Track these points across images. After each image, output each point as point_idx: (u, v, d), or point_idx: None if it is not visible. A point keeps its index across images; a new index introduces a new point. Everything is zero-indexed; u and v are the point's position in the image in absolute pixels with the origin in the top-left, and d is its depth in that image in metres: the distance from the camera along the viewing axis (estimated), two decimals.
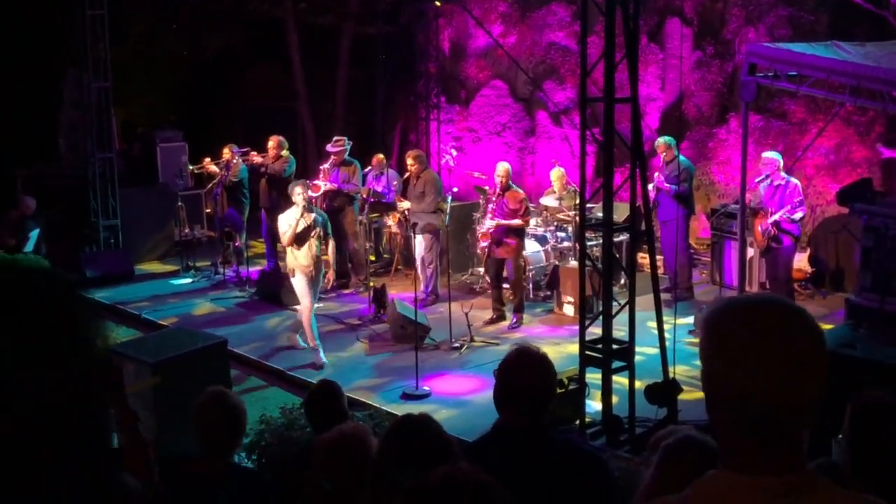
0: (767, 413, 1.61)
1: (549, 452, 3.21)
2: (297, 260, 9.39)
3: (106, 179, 14.00)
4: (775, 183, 10.29)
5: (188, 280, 13.03)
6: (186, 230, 13.58)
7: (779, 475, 1.62)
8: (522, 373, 3.25)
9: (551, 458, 3.19)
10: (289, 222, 9.41)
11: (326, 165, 12.06)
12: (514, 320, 10.62)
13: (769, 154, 10.53)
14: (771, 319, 1.64)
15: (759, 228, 10.41)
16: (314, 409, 4.66)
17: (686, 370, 8.79)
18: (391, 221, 12.62)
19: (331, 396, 4.66)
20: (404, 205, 11.91)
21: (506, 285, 11.48)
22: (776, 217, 10.09)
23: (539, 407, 3.23)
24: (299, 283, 9.47)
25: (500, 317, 10.73)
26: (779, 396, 1.61)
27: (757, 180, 11.43)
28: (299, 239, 9.35)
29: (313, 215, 9.51)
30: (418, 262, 11.42)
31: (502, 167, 10.76)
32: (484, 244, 10.87)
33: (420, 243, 11.33)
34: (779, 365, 1.60)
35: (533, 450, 3.18)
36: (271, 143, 12.45)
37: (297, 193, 9.47)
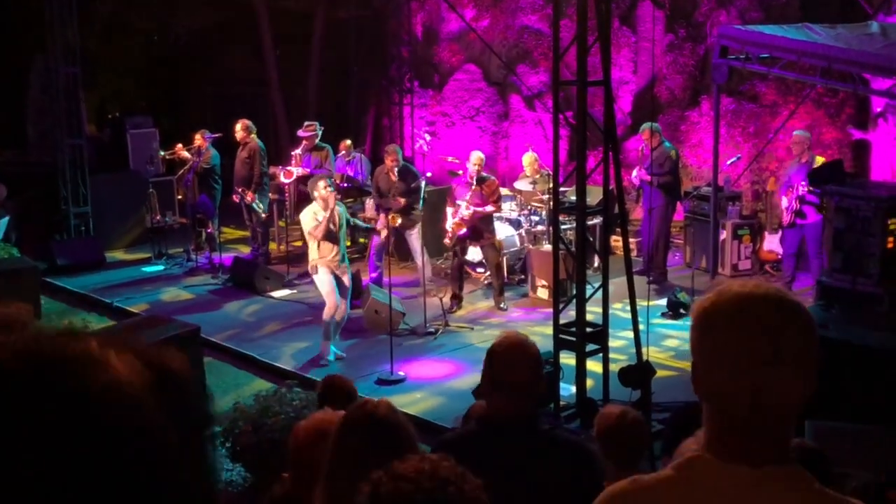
0: (745, 411, 1.59)
1: (536, 441, 3.20)
2: (323, 255, 8.97)
3: (76, 166, 13.84)
4: (803, 160, 10.38)
5: (160, 267, 12.92)
6: (158, 217, 13.43)
7: (756, 465, 1.59)
8: (513, 361, 3.23)
9: (539, 448, 3.18)
10: (315, 217, 8.92)
11: (298, 151, 11.98)
12: (501, 304, 10.61)
13: (800, 133, 10.59)
14: (761, 312, 1.59)
15: (783, 204, 10.48)
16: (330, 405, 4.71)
17: (659, 352, 8.84)
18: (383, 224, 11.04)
19: (346, 392, 4.74)
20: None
21: (480, 269, 11.47)
22: (800, 191, 10.18)
23: (527, 395, 3.22)
24: (323, 281, 9.04)
25: (459, 305, 10.68)
26: (757, 397, 1.57)
27: (728, 162, 11.50)
28: (329, 236, 8.91)
29: (339, 210, 9.03)
30: (418, 257, 11.05)
31: (476, 156, 10.64)
32: (462, 233, 10.60)
33: (416, 238, 11.02)
34: (757, 366, 1.57)
35: (520, 438, 3.16)
36: (238, 127, 12.33)
37: (322, 188, 8.96)
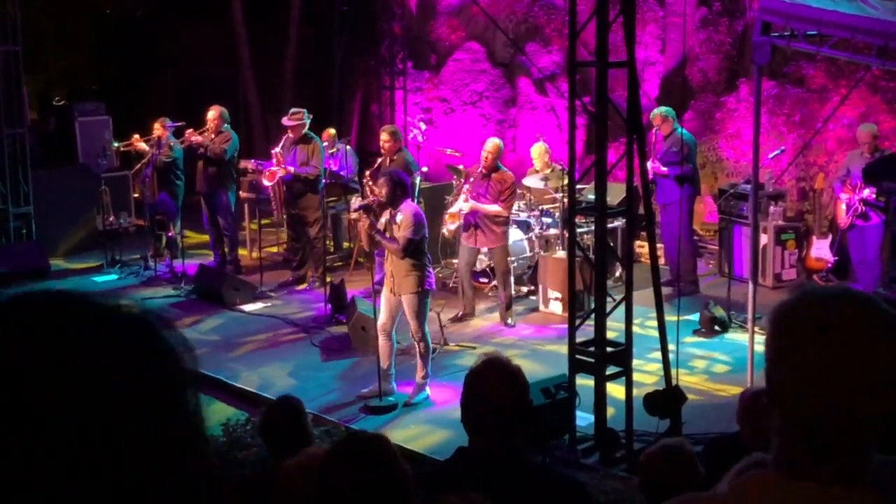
0: (831, 425, 1.64)
1: (520, 479, 3.21)
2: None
3: (16, 160, 13.84)
4: (867, 154, 10.44)
5: (113, 277, 12.93)
6: (111, 218, 13.46)
7: (826, 484, 1.64)
8: (485, 388, 3.25)
9: (523, 487, 3.18)
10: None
11: (279, 148, 11.82)
12: (508, 319, 10.66)
13: (867, 126, 10.68)
14: (845, 322, 1.65)
15: (844, 203, 10.53)
16: (272, 431, 4.65)
17: (691, 376, 8.85)
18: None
19: (292, 415, 4.65)
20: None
21: (484, 279, 11.49)
22: (867, 192, 10.23)
23: (507, 427, 3.23)
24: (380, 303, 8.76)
25: (470, 313, 10.73)
26: (848, 410, 1.63)
27: (770, 156, 11.53)
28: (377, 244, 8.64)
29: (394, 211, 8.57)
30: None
31: (492, 143, 10.72)
32: (451, 226, 10.75)
33: None
34: (851, 378, 1.62)
35: (502, 476, 3.17)
36: (211, 115, 12.34)
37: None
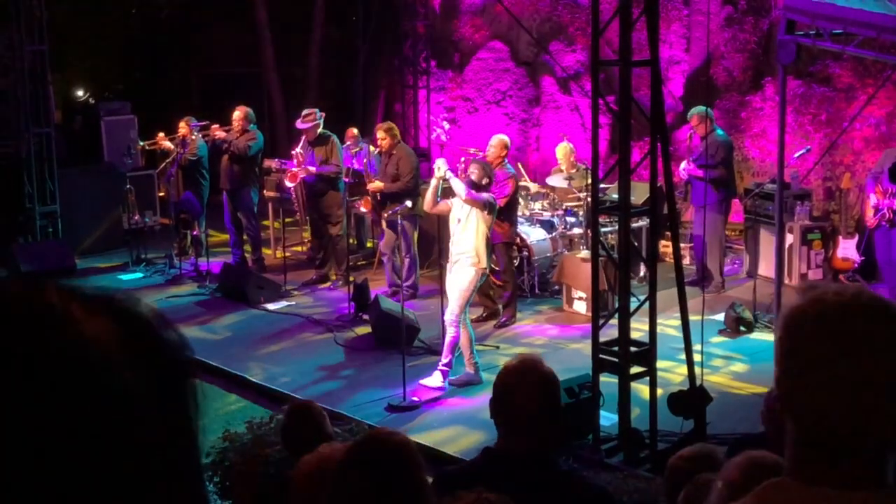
0: (846, 433, 1.62)
1: (548, 482, 3.20)
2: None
3: (42, 159, 13.94)
4: None
5: (139, 275, 13.00)
6: (136, 217, 13.52)
7: (854, 490, 1.63)
8: (517, 390, 3.21)
9: (546, 490, 3.17)
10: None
11: (299, 149, 11.89)
12: (504, 318, 10.65)
13: None
14: (861, 328, 1.62)
15: (872, 204, 10.47)
16: (292, 437, 4.64)
17: (716, 376, 8.82)
18: (363, 208, 12.11)
19: (312, 422, 4.62)
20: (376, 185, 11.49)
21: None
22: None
23: (535, 430, 3.21)
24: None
25: (493, 314, 10.74)
26: (863, 419, 1.61)
27: (796, 155, 11.47)
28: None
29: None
30: (384, 253, 11.57)
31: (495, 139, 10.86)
32: None
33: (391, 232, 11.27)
34: (866, 385, 1.60)
35: (525, 479, 3.16)
36: (237, 115, 12.39)
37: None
